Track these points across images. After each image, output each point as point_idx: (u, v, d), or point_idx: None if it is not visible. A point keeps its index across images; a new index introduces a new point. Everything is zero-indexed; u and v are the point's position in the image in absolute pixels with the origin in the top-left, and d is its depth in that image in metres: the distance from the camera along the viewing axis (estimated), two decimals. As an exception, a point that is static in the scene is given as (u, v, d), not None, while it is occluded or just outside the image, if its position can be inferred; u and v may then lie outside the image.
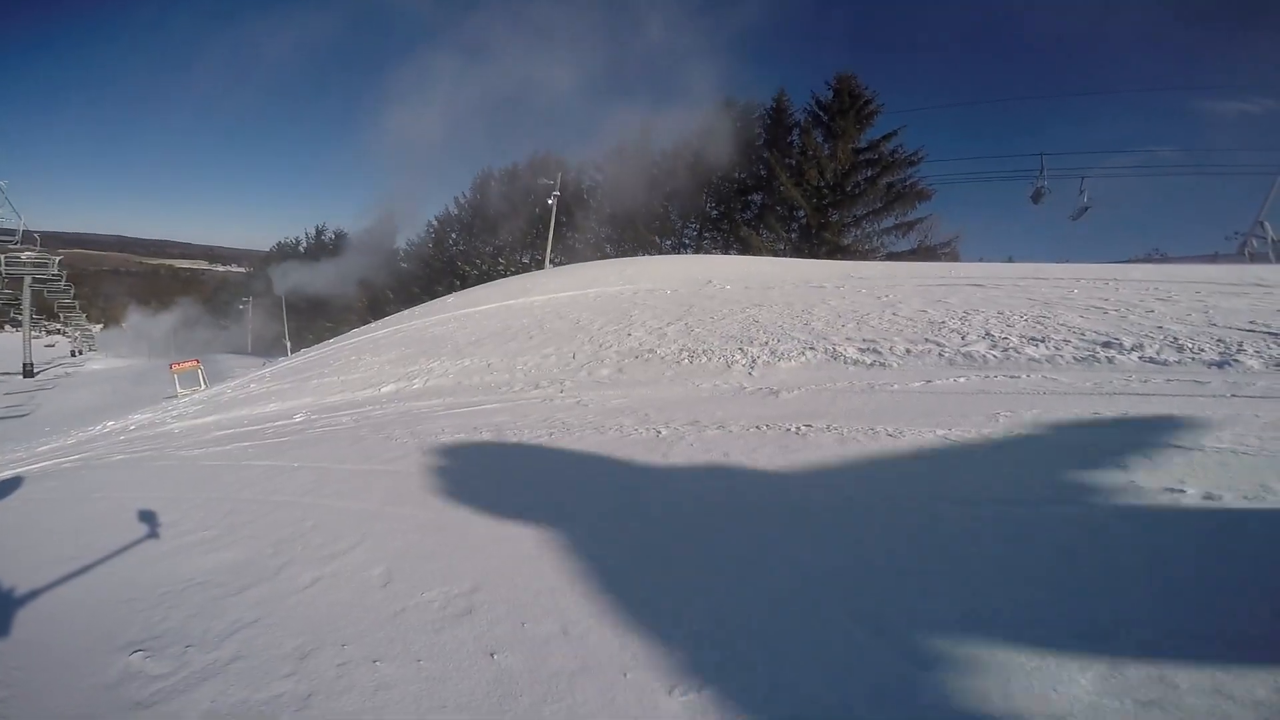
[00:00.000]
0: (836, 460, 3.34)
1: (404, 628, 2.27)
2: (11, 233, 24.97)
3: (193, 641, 2.33)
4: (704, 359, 6.02)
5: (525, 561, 2.65)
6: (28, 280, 32.23)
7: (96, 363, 37.67)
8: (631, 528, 2.89)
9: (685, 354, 6.24)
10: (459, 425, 5.02)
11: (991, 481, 2.83)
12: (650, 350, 6.58)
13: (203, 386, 15.75)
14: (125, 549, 3.37)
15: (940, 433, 3.47)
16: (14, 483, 5.80)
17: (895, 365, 5.04)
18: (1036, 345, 4.91)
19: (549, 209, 26.82)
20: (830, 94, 28.03)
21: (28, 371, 29.80)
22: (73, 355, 42.93)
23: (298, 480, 4.21)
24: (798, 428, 3.89)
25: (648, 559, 2.59)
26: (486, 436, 4.62)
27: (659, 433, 4.16)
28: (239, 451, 5.28)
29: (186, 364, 17.82)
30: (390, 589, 2.56)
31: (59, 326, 46.76)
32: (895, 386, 4.50)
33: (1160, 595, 1.91)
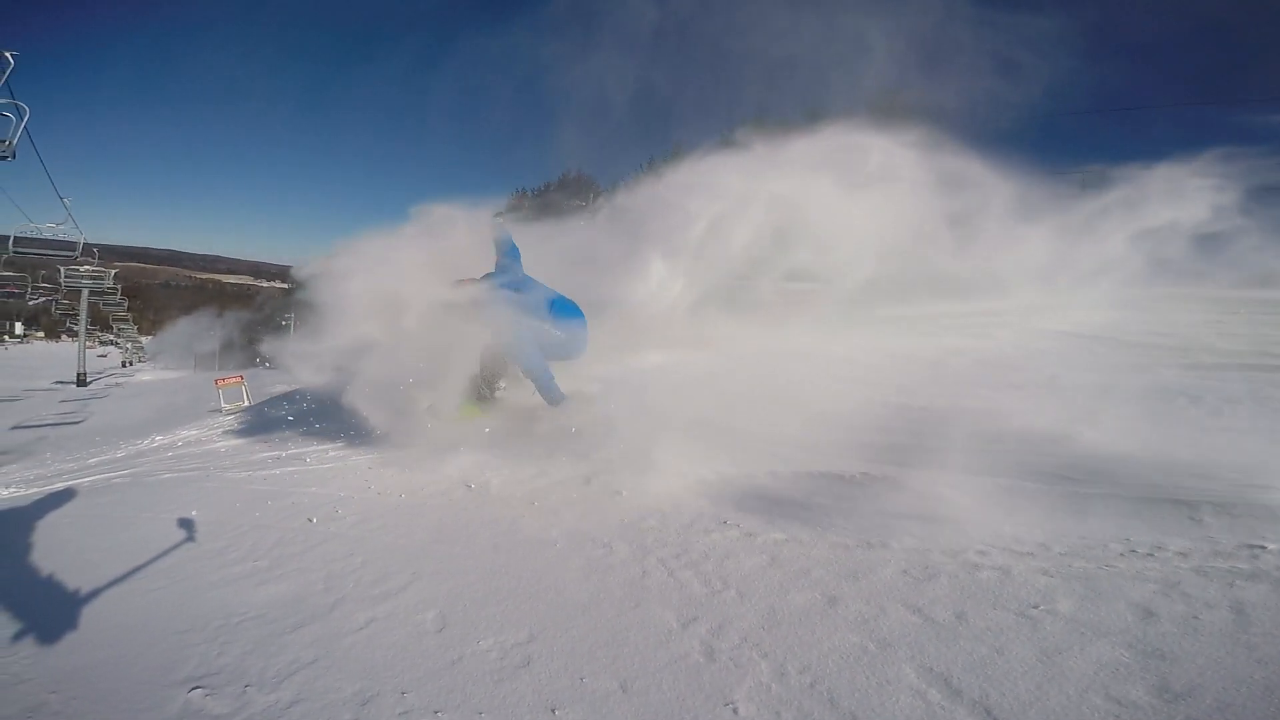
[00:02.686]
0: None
1: (462, 677, 2.28)
2: (73, 246, 26.03)
3: (251, 680, 2.37)
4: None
5: (580, 612, 2.65)
6: (85, 293, 33.59)
7: (145, 374, 38.90)
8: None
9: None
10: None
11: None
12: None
13: (246, 402, 16.11)
14: (177, 576, 3.43)
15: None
16: (67, 495, 5.96)
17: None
18: None
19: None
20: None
21: (81, 381, 30.91)
22: (123, 366, 44.52)
23: (344, 510, 4.25)
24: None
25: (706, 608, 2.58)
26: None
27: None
28: (286, 477, 5.35)
29: (231, 379, 18.25)
30: (445, 635, 2.58)
31: (112, 338, 48.56)
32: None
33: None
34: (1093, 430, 4.13)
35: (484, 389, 5.75)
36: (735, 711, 2.00)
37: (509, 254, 5.37)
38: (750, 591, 2.71)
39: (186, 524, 4.29)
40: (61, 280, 32.08)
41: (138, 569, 3.54)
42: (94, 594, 3.25)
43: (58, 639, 2.77)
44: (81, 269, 32.60)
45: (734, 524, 3.46)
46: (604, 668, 2.23)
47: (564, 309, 5.17)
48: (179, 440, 9.77)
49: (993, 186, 9.00)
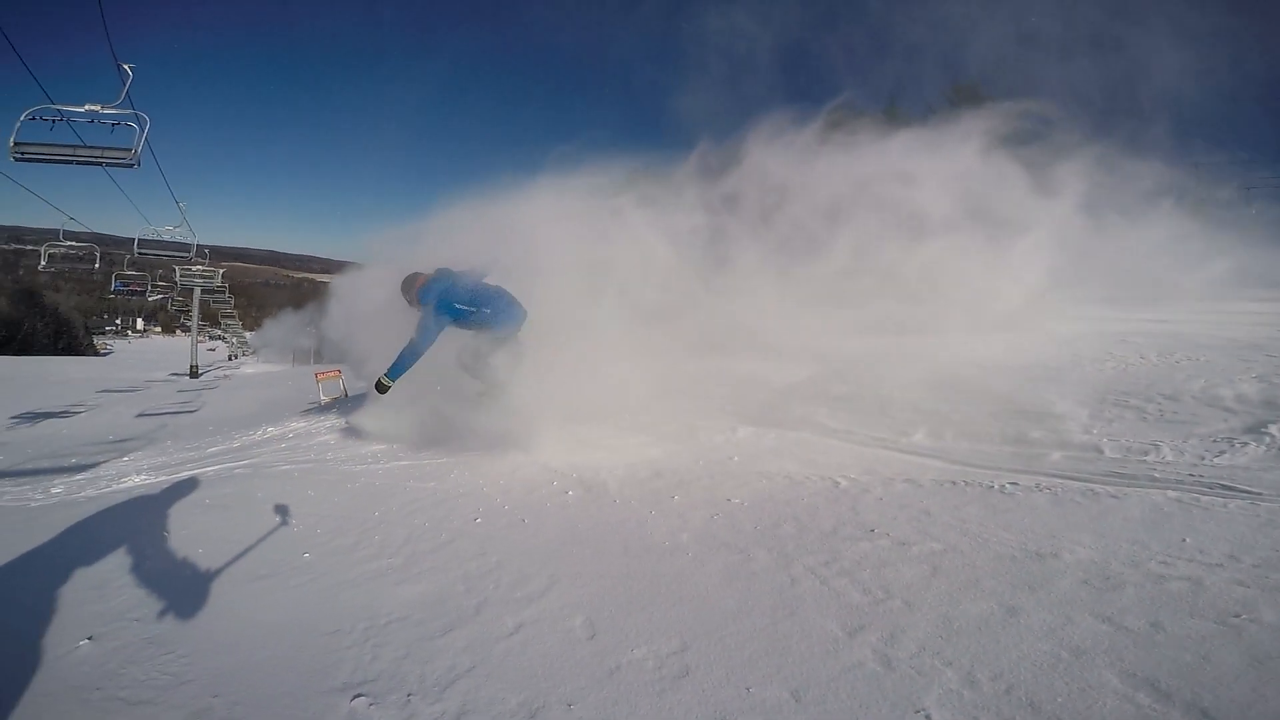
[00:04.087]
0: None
1: (624, 688, 2.21)
2: (188, 248, 27.87)
3: (413, 689, 2.31)
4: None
5: (730, 620, 2.57)
6: (197, 291, 36.02)
7: (249, 367, 41.46)
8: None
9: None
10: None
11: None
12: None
13: (344, 395, 16.77)
14: (314, 572, 3.45)
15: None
16: (192, 484, 6.20)
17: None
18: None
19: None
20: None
21: (194, 373, 33.20)
22: (229, 359, 47.69)
23: (466, 509, 4.21)
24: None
25: (872, 617, 2.48)
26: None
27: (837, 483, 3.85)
28: (399, 471, 5.40)
29: (330, 373, 19.02)
30: (597, 643, 2.51)
31: (219, 333, 52.06)
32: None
33: None
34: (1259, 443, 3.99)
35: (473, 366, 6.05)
36: (928, 718, 1.93)
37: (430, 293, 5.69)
38: (918, 601, 2.59)
39: (312, 518, 4.36)
40: (177, 279, 34.47)
41: (272, 563, 3.60)
42: (234, 588, 3.30)
43: (209, 637, 2.79)
44: (194, 269, 34.87)
45: (882, 533, 3.33)
46: (769, 677, 2.17)
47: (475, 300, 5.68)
48: (289, 432, 10.18)
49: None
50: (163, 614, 2.97)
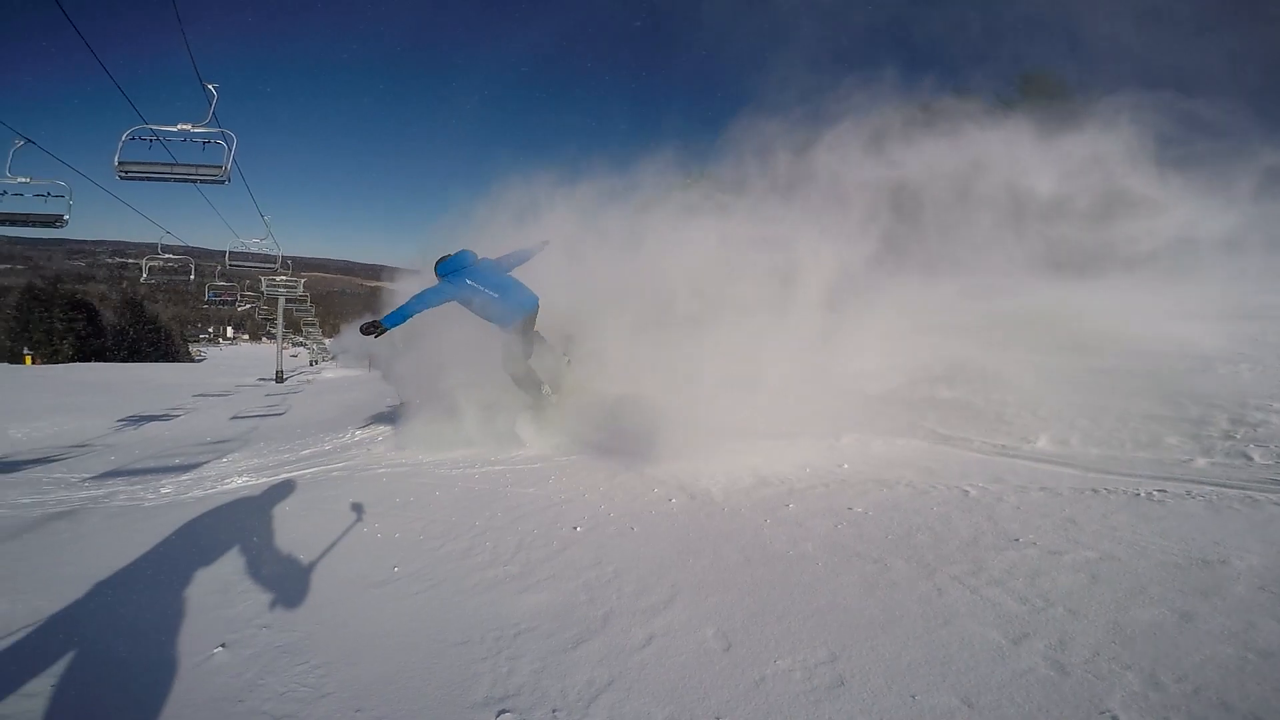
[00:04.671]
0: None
1: (774, 699, 2.15)
2: (273, 259, 29.30)
3: (556, 704, 2.22)
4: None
5: (878, 630, 2.50)
6: (281, 300, 37.86)
7: (329, 372, 43.35)
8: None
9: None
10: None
11: None
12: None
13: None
14: (431, 579, 3.40)
15: None
16: (291, 486, 6.33)
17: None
18: None
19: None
20: None
21: (279, 377, 34.89)
22: (310, 364, 50.01)
23: (573, 515, 4.12)
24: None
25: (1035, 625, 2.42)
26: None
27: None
28: (496, 475, 5.36)
29: (409, 377, 19.47)
30: (735, 654, 2.43)
31: (301, 340, 54.61)
32: None
33: None
34: None
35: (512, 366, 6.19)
36: (1115, 718, 1.90)
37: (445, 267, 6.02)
38: (1082, 609, 2.50)
39: (418, 523, 4.34)
40: (263, 289, 36.29)
41: (386, 569, 3.56)
42: (354, 595, 3.27)
43: (340, 647, 2.75)
44: (279, 279, 36.60)
45: (1028, 542, 3.17)
46: (934, 684, 2.12)
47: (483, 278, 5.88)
48: (377, 435, 10.42)
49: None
50: (289, 621, 2.96)
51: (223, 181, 10.19)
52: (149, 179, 10.19)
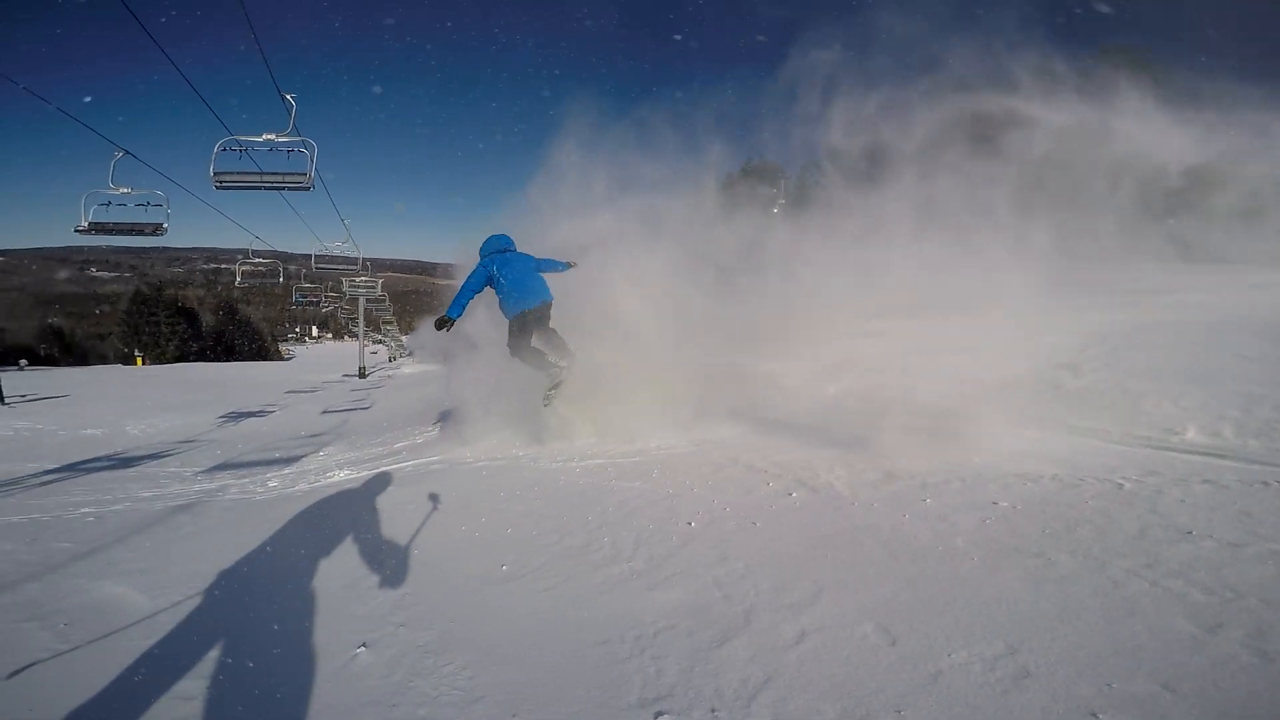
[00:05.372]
0: None
1: (955, 691, 2.09)
2: (354, 261, 30.39)
3: (714, 704, 2.14)
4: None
5: (1056, 622, 2.42)
6: (362, 300, 39.38)
7: (407, 368, 44.82)
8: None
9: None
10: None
11: None
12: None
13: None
14: (556, 575, 3.31)
15: None
16: (392, 479, 6.43)
17: None
18: None
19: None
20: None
21: (362, 373, 36.32)
22: (389, 361, 51.94)
23: (685, 509, 3.96)
24: None
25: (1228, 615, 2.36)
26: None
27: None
28: (597, 469, 5.27)
29: (487, 371, 19.76)
30: (903, 649, 2.35)
31: (380, 337, 56.81)
32: None
33: None
34: None
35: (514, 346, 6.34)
36: None
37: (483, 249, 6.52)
38: (1277, 600, 2.43)
39: (528, 518, 4.28)
40: (345, 290, 37.82)
41: (510, 565, 3.51)
42: (481, 592, 3.23)
43: (480, 646, 2.69)
44: (359, 280, 38.02)
45: (1203, 535, 3.05)
46: (1130, 673, 2.07)
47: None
48: (463, 429, 10.51)
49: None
50: (423, 619, 2.92)
51: (307, 188, 10.54)
52: (241, 188, 10.63)
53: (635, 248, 8.13)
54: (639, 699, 2.19)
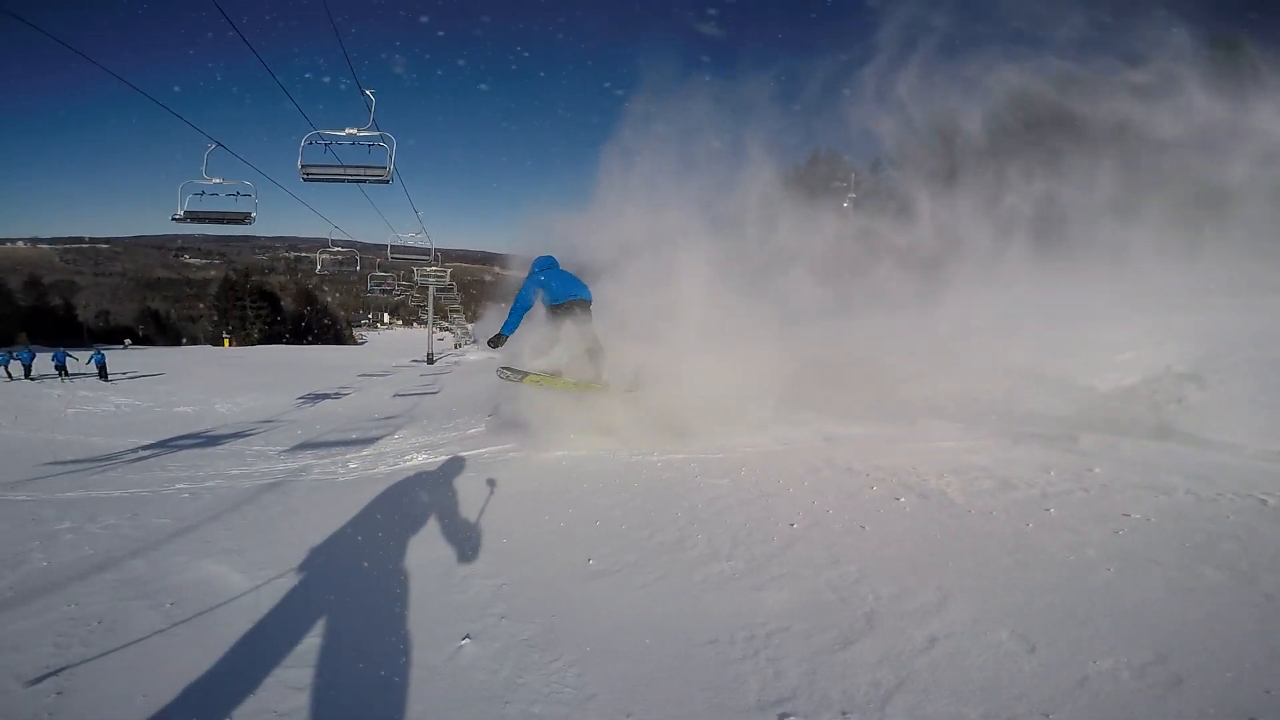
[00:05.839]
0: None
1: (1106, 696, 2.03)
2: (426, 252, 31.22)
3: (845, 707, 2.07)
4: None
5: (1206, 632, 2.32)
6: (432, 289, 40.47)
7: (472, 354, 45.90)
8: None
9: None
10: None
11: None
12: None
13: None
14: (654, 570, 3.20)
15: None
16: (471, 465, 6.40)
17: None
18: None
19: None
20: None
21: (430, 359, 37.40)
22: (455, 347, 53.34)
23: (783, 510, 3.77)
24: None
25: None
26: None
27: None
28: (681, 464, 5.12)
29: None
30: (1043, 655, 2.27)
31: (447, 324, 58.32)
32: None
33: None
34: None
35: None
36: None
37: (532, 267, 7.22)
38: None
39: (615, 511, 4.17)
40: (416, 279, 38.94)
41: (601, 559, 3.41)
42: (576, 586, 3.14)
43: (584, 642, 2.60)
44: (429, 269, 39.07)
45: None
46: None
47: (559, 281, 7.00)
48: (534, 418, 10.52)
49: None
50: (523, 611, 2.85)
51: (386, 181, 10.78)
52: (326, 180, 10.95)
53: (705, 242, 7.94)
54: (758, 700, 2.12)
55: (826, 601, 2.75)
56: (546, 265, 7.13)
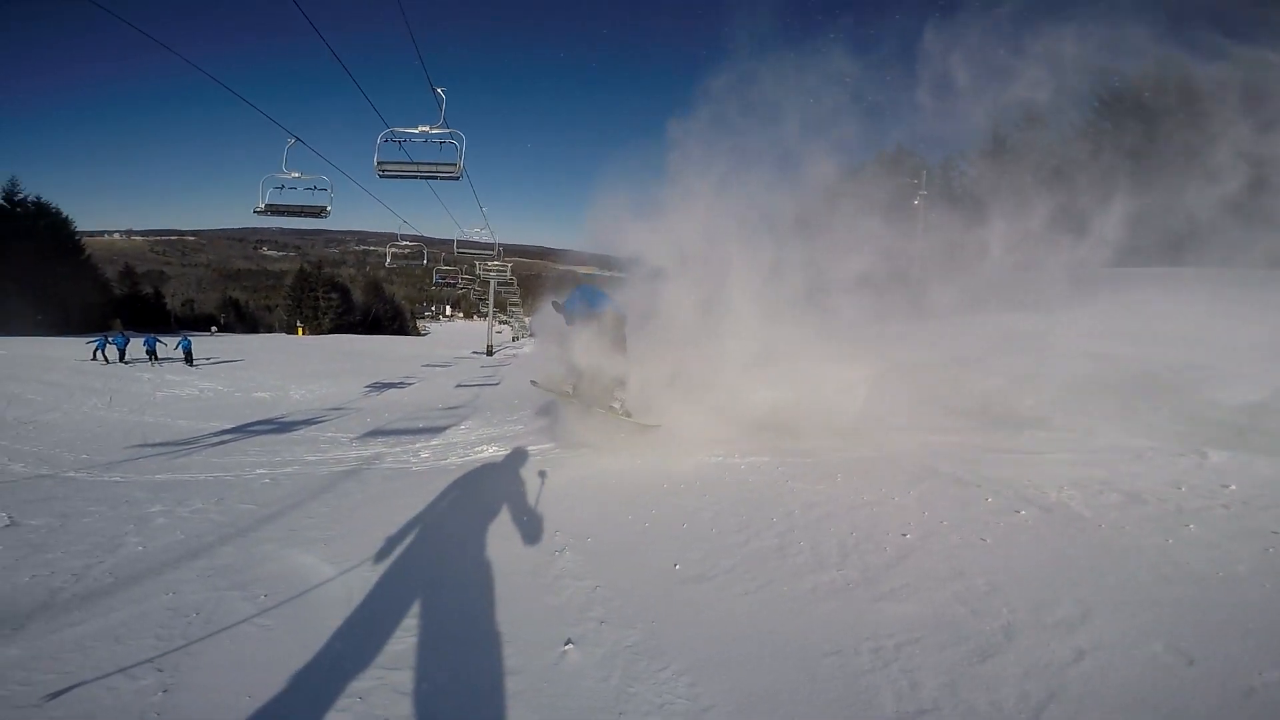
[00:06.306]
0: None
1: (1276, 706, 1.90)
2: (490, 247, 31.66)
3: (994, 718, 1.97)
4: None
5: None
6: (493, 283, 41.13)
7: (529, 347, 46.49)
8: None
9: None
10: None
11: None
12: None
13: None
14: (756, 578, 3.01)
15: None
16: (540, 460, 6.26)
17: None
18: None
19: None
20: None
21: (489, 351, 38.03)
22: (513, 340, 54.14)
23: (890, 519, 3.51)
24: None
25: None
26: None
27: None
28: (765, 468, 4.87)
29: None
30: (1202, 668, 2.13)
31: (505, 318, 59.22)
32: None
33: None
34: None
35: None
36: None
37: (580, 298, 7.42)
38: None
39: (701, 513, 4.01)
40: (478, 273, 39.64)
41: (694, 564, 3.26)
42: (677, 590, 3.01)
43: (691, 650, 2.45)
44: (491, 264, 39.65)
45: None
46: None
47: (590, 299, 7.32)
48: (599, 413, 10.41)
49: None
50: (622, 616, 2.71)
51: (457, 178, 10.85)
52: (400, 177, 11.08)
53: (777, 242, 7.62)
54: (896, 712, 2.03)
55: (956, 614, 2.59)
56: (587, 289, 7.64)
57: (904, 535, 3.28)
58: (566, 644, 2.45)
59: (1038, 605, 2.60)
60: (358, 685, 2.21)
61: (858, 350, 7.39)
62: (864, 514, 3.63)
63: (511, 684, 2.19)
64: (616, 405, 6.96)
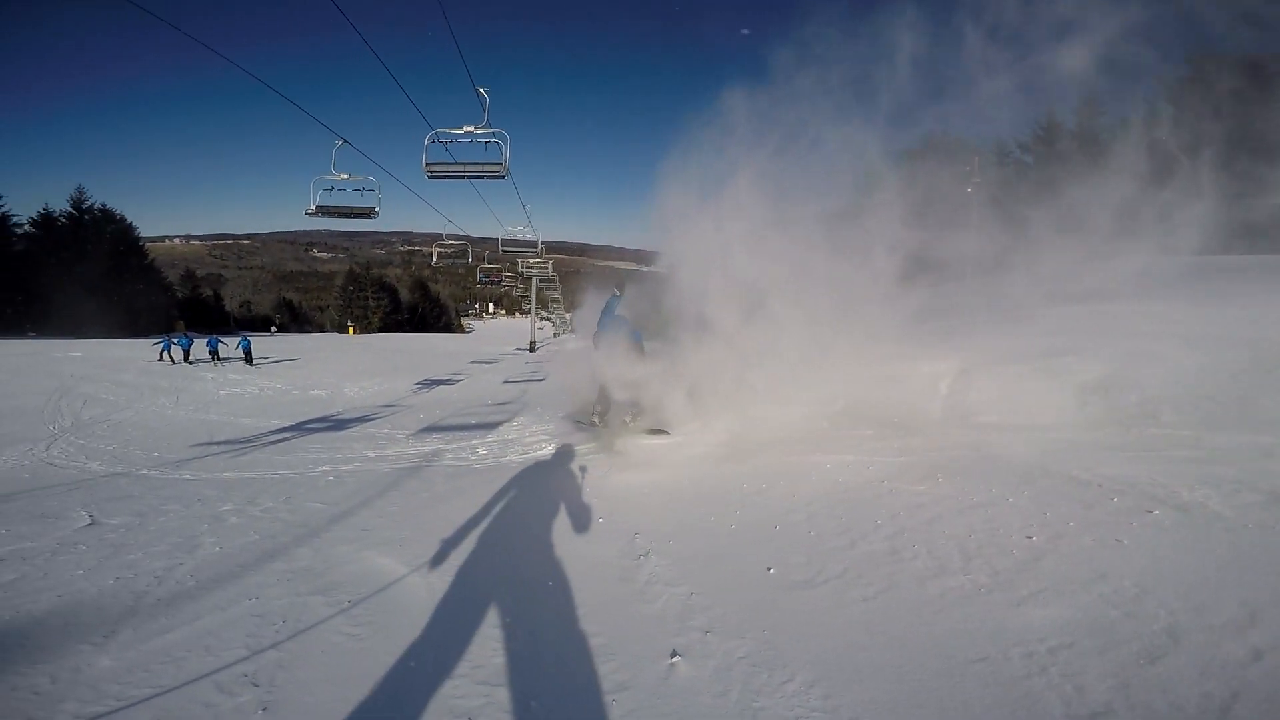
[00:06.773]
0: None
1: None
2: (533, 244, 31.79)
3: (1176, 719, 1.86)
4: None
5: None
6: (535, 280, 41.38)
7: (570, 343, 46.67)
8: None
9: None
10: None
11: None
12: None
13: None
14: (871, 584, 2.76)
15: None
16: (593, 456, 6.12)
17: None
18: None
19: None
20: None
21: (532, 347, 38.27)
22: (554, 336, 54.48)
23: (1007, 521, 3.24)
24: None
25: None
26: None
27: None
28: (859, 467, 4.57)
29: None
30: None
31: (546, 314, 59.65)
32: None
33: None
34: None
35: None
36: None
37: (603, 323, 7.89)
38: None
39: (792, 513, 3.79)
40: (521, 270, 39.92)
41: (798, 567, 3.05)
42: (784, 596, 2.80)
43: (810, 659, 2.26)
44: (534, 262, 39.87)
45: None
46: None
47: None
48: (661, 408, 10.19)
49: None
50: (728, 625, 2.51)
51: (502, 177, 10.80)
52: (449, 178, 11.08)
53: (823, 236, 7.27)
54: (1065, 715, 1.91)
55: (1109, 617, 2.42)
56: (605, 309, 7.93)
57: (1029, 538, 3.00)
58: (673, 656, 2.27)
59: (1198, 607, 2.43)
60: (464, 704, 2.05)
61: (936, 344, 7.03)
62: (978, 516, 3.34)
63: (623, 702, 2.01)
64: (628, 419, 7.47)
